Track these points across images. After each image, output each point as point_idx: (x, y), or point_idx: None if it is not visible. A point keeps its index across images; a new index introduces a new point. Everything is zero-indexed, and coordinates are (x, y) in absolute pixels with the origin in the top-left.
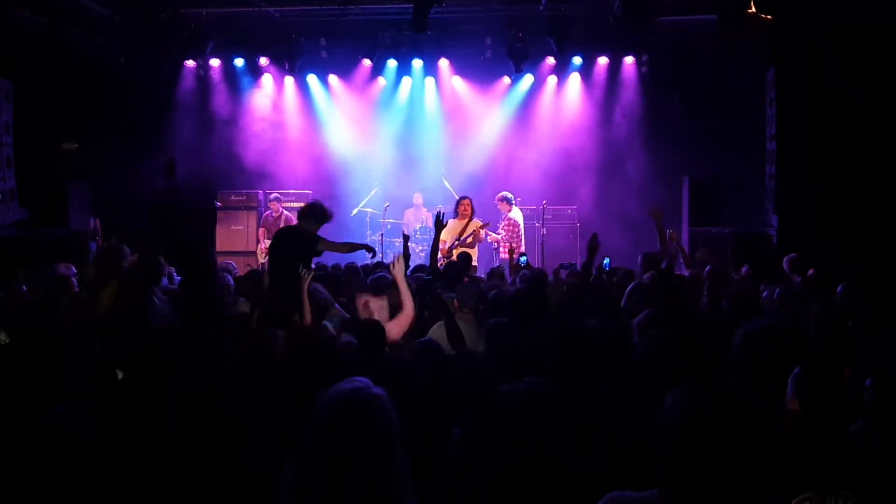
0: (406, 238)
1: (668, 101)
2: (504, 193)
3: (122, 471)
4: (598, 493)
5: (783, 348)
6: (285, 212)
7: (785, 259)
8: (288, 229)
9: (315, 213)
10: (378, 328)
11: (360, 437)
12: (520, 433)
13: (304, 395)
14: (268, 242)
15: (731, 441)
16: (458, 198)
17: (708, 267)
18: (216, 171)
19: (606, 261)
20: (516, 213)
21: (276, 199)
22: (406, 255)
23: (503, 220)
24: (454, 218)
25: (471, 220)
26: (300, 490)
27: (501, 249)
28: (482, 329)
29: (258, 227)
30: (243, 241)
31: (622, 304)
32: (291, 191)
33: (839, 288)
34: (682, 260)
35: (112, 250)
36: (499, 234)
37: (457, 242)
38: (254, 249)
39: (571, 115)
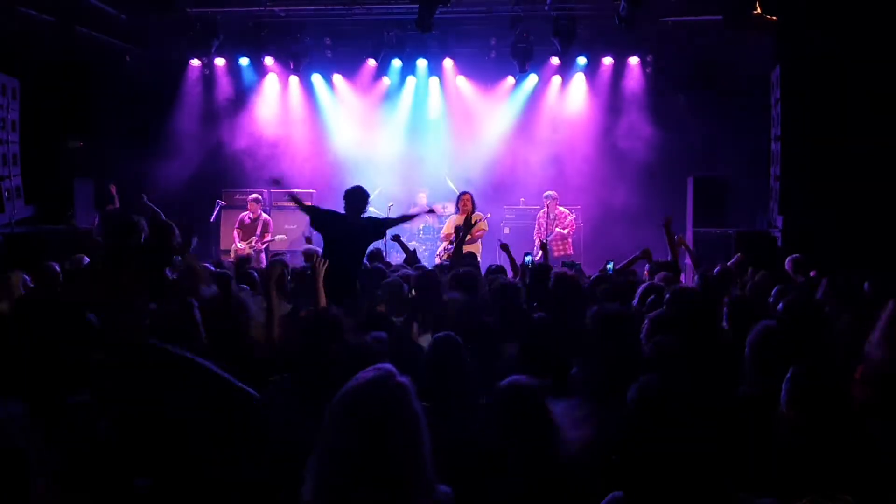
0: (397, 238)
1: (672, 101)
2: (552, 192)
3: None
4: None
5: (784, 350)
6: (264, 214)
7: (788, 259)
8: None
9: (363, 197)
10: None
11: (384, 426)
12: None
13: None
14: (242, 245)
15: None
16: (458, 193)
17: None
18: (220, 169)
19: (610, 265)
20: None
21: (255, 199)
22: (409, 254)
23: (564, 216)
24: (456, 213)
25: (471, 214)
26: (327, 476)
27: (556, 247)
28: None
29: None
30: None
31: (634, 303)
32: (295, 190)
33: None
34: (689, 261)
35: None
36: (563, 230)
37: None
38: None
39: (576, 116)
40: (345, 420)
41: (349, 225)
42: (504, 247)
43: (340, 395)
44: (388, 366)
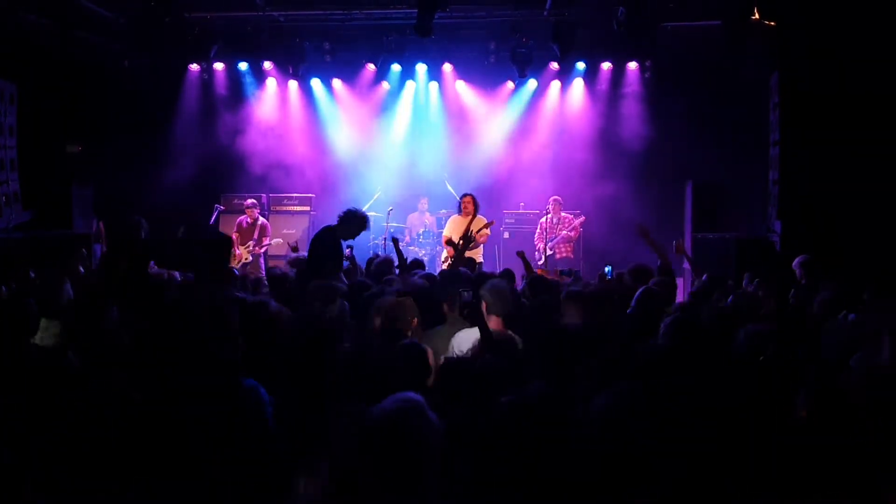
0: (395, 241)
1: (671, 106)
2: (556, 196)
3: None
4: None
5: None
6: (261, 219)
7: (796, 261)
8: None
9: (356, 222)
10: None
11: (400, 451)
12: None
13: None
14: (241, 250)
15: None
16: (460, 196)
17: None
18: (218, 173)
19: (608, 269)
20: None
21: (252, 204)
22: (401, 258)
23: (569, 219)
24: (458, 214)
25: (474, 216)
26: (336, 489)
27: (559, 250)
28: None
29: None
30: None
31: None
32: (294, 194)
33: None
34: (688, 266)
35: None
36: (569, 234)
37: (466, 239)
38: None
39: (575, 121)
40: (365, 441)
41: (326, 235)
42: (521, 254)
43: (363, 418)
44: (414, 395)
